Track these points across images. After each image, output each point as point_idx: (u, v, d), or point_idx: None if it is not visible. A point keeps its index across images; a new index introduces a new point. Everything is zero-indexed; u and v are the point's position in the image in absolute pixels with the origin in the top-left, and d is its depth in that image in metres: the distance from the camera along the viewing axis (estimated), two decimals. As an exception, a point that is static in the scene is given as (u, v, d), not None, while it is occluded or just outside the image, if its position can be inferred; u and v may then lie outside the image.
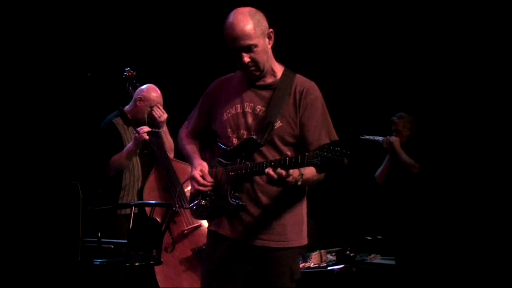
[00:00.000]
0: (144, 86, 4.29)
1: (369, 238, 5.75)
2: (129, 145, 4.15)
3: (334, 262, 5.58)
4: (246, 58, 2.43)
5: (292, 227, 2.51)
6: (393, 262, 5.27)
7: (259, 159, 2.44)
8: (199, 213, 2.59)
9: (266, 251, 2.47)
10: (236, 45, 2.42)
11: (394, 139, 5.09)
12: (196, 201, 2.55)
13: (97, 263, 3.61)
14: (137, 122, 4.23)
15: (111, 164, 4.16)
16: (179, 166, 4.18)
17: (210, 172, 2.51)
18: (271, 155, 2.45)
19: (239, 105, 2.53)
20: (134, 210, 3.70)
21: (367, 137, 5.24)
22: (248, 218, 2.46)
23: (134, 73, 4.45)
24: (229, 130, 2.52)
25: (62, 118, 5.11)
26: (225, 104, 2.55)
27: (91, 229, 3.66)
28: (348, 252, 5.51)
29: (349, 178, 5.58)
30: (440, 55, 5.87)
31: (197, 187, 2.50)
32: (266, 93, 2.51)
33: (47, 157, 4.94)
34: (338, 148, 2.19)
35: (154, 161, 4.24)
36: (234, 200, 2.44)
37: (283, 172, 2.24)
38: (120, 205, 4.14)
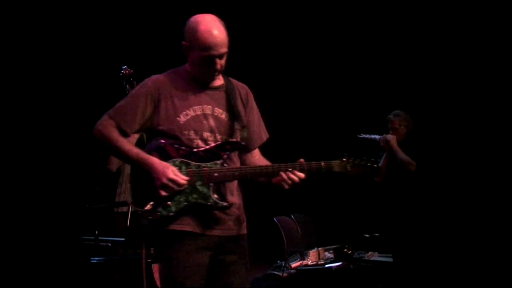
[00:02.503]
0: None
1: (367, 235, 5.76)
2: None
3: (332, 259, 5.61)
4: (219, 65, 2.51)
5: (244, 216, 2.66)
6: (390, 260, 5.28)
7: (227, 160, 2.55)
8: (161, 216, 2.47)
9: (240, 239, 2.60)
10: (215, 52, 2.47)
11: (390, 137, 5.09)
12: (163, 203, 2.46)
13: (95, 261, 3.62)
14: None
15: (112, 159, 4.16)
16: None
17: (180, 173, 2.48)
18: (235, 155, 2.59)
19: (197, 107, 2.56)
20: (131, 208, 3.71)
21: (364, 135, 5.24)
22: (219, 214, 2.53)
23: (132, 71, 4.45)
24: (192, 132, 2.53)
25: (60, 117, 5.12)
26: (179, 106, 2.54)
27: (89, 227, 3.67)
28: (346, 250, 5.52)
29: (347, 177, 5.58)
30: (436, 53, 5.88)
31: (177, 188, 2.44)
32: (218, 95, 2.60)
33: (44, 155, 4.94)
34: (365, 157, 2.51)
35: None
36: (221, 200, 2.50)
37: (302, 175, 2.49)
38: (117, 203, 4.15)
